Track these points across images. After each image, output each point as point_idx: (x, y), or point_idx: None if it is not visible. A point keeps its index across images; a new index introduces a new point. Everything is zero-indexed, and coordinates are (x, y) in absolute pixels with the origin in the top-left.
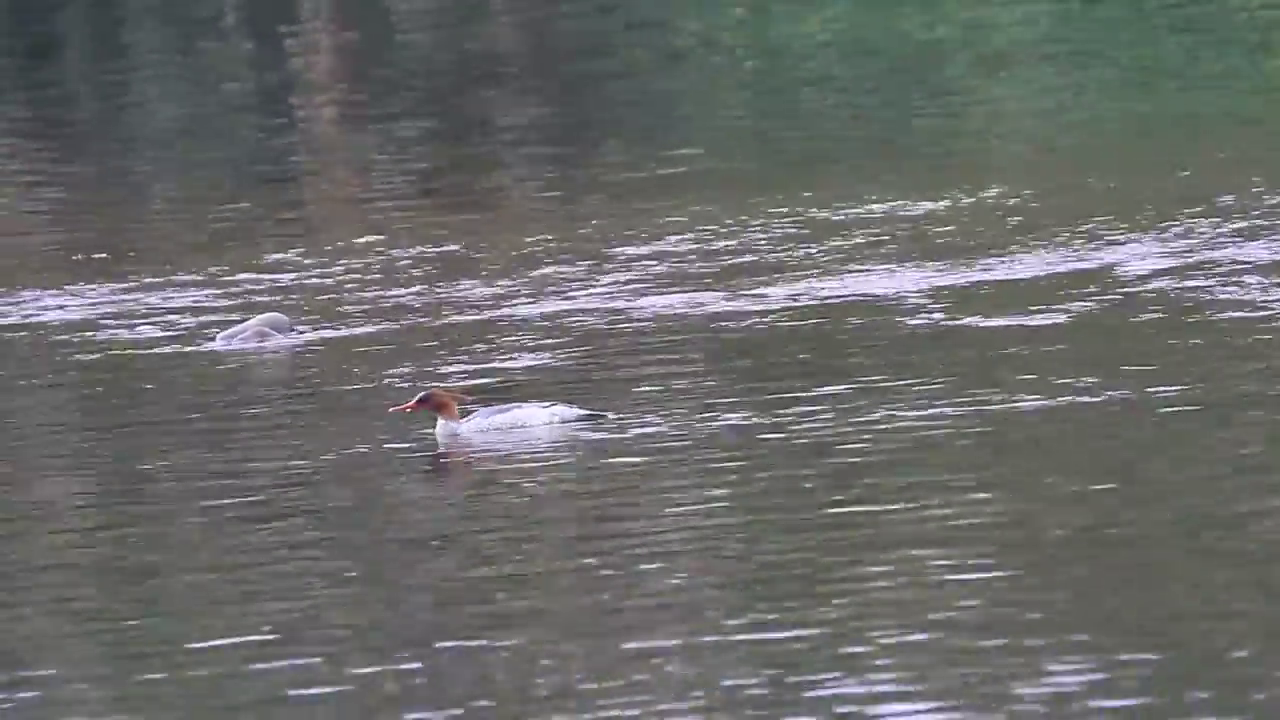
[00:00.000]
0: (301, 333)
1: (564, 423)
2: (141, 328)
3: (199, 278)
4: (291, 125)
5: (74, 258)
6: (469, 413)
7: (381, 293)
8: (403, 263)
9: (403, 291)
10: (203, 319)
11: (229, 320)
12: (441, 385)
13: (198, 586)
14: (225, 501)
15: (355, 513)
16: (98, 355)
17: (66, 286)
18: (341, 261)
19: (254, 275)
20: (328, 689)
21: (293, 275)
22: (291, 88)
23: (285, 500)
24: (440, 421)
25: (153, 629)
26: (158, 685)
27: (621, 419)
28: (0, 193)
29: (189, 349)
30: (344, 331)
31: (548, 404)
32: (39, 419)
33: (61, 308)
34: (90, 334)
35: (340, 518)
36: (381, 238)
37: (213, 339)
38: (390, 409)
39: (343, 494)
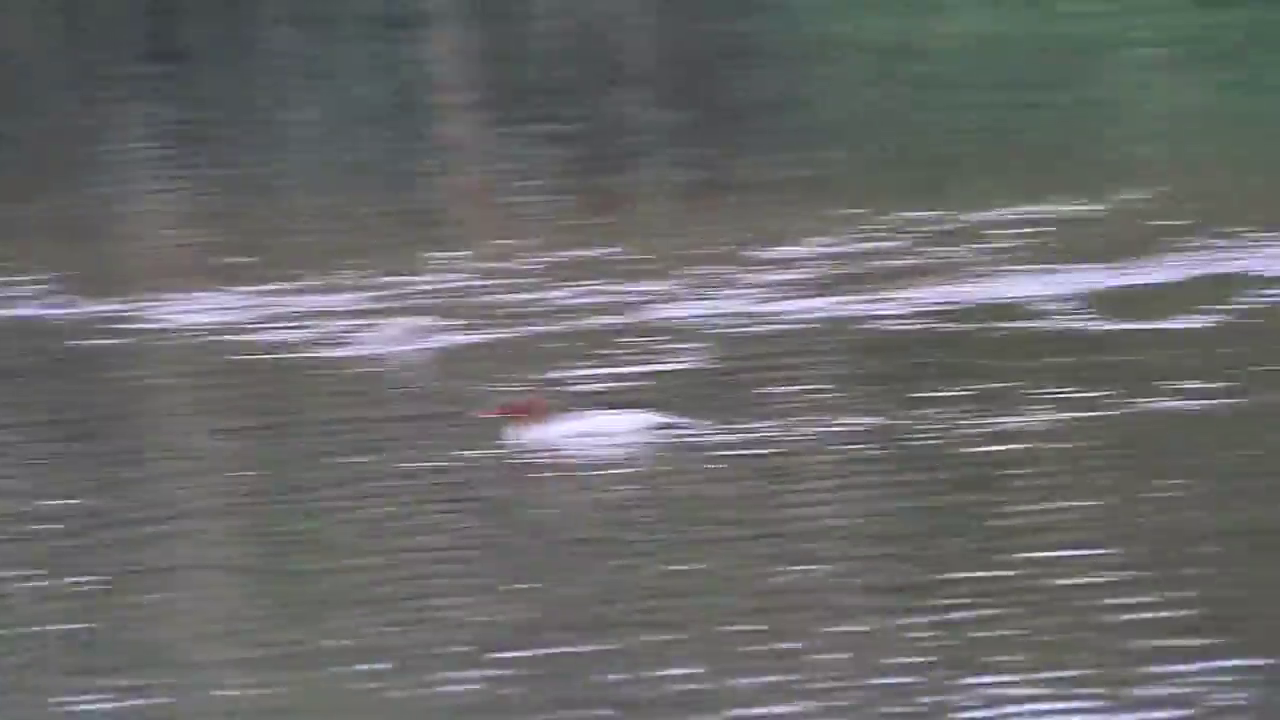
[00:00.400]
0: (445, 336)
1: (648, 429)
2: (285, 332)
3: (343, 281)
4: (435, 127)
5: (221, 261)
6: (553, 418)
7: (524, 296)
8: (544, 266)
9: (546, 294)
10: (343, 323)
11: (369, 325)
12: (528, 392)
13: (355, 587)
14: (378, 503)
15: (499, 514)
16: (243, 359)
17: (212, 290)
18: (483, 264)
19: (398, 279)
20: (484, 685)
21: (436, 279)
22: (434, 90)
23: (433, 502)
24: (524, 428)
25: (313, 629)
26: (319, 687)
27: (720, 425)
28: (147, 196)
29: (328, 354)
30: (487, 335)
31: (633, 411)
32: (187, 422)
33: (207, 311)
34: (231, 339)
35: (482, 519)
36: (524, 240)
37: (353, 343)
38: (479, 415)
39: (484, 496)
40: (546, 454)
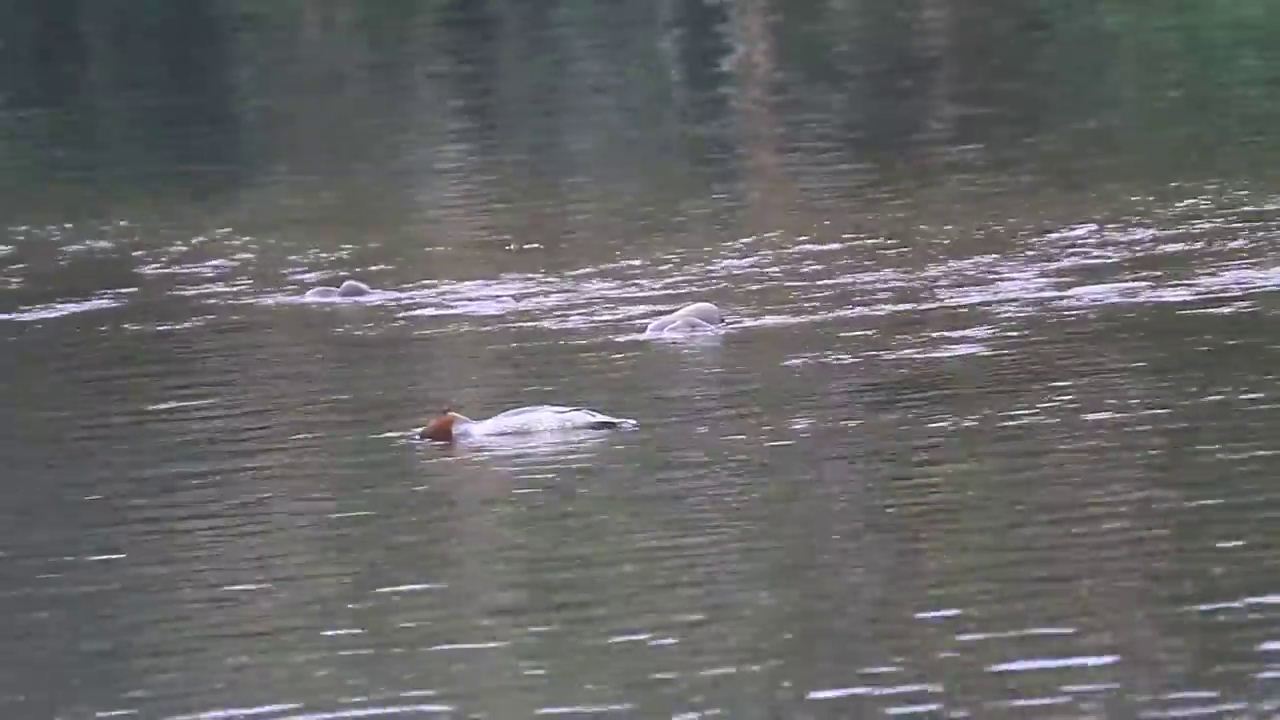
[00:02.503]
0: (731, 323)
1: (577, 428)
2: (572, 318)
3: (629, 268)
4: (721, 114)
5: (507, 248)
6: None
7: (809, 283)
8: (829, 253)
9: (830, 282)
10: (633, 309)
11: (659, 310)
12: (444, 409)
13: (629, 577)
14: (652, 490)
15: (781, 503)
16: (527, 346)
17: (498, 277)
18: (769, 252)
19: (684, 265)
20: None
21: (722, 265)
22: (722, 76)
23: (710, 490)
24: (455, 429)
25: (585, 618)
26: (587, 674)
27: (1000, 411)
28: (436, 181)
29: (620, 339)
30: (772, 321)
31: (563, 409)
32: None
33: (494, 298)
34: (521, 324)
35: (765, 509)
36: (809, 228)
37: (643, 329)
38: (414, 439)
39: (766, 485)
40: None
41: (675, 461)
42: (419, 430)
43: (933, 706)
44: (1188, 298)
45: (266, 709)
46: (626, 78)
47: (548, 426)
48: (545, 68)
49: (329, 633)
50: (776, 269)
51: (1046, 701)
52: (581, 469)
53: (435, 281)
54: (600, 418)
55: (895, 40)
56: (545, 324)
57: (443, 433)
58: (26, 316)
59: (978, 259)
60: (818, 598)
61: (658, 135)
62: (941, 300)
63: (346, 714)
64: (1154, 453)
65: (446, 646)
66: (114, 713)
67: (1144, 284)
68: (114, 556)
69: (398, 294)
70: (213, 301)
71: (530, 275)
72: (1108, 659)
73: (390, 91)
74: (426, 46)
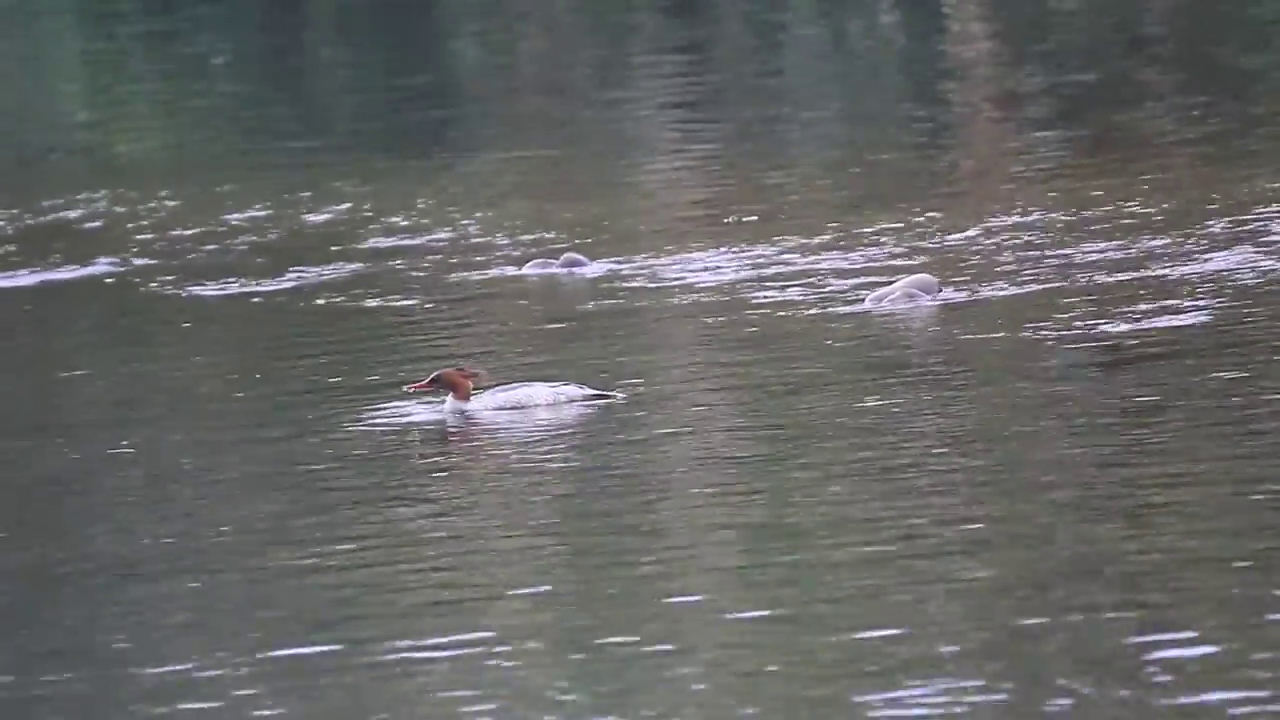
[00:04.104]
0: (950, 294)
1: (570, 402)
2: (791, 289)
3: (847, 239)
4: (935, 86)
5: (724, 220)
6: (483, 390)
7: (1027, 254)
8: (1047, 224)
9: (1048, 253)
10: (851, 281)
11: (878, 282)
12: (456, 366)
13: (855, 554)
14: (878, 462)
15: (1000, 476)
16: (747, 317)
17: (716, 249)
18: (987, 223)
19: (901, 237)
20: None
21: (940, 237)
22: (937, 46)
23: (932, 462)
24: (449, 400)
25: (807, 590)
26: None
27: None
28: (655, 153)
29: (838, 310)
30: (991, 293)
31: (555, 383)
32: (687, 379)
33: (712, 270)
34: (740, 296)
35: (981, 480)
36: (1026, 199)
37: (862, 300)
38: (406, 388)
39: (985, 458)
40: (475, 426)
41: (899, 430)
42: (436, 372)
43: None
44: None
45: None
46: (845, 52)
47: (542, 401)
48: (764, 42)
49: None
50: (994, 240)
51: None
52: (786, 440)
53: (654, 253)
54: (593, 390)
55: (1113, 12)
56: (763, 295)
57: (457, 389)
58: (250, 289)
59: (1195, 230)
60: (1030, 566)
61: (875, 109)
62: (1159, 271)
63: None
64: None
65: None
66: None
67: None
68: (336, 529)
69: (616, 266)
70: (433, 275)
71: (748, 247)
72: None
73: (609, 65)
74: (644, 19)
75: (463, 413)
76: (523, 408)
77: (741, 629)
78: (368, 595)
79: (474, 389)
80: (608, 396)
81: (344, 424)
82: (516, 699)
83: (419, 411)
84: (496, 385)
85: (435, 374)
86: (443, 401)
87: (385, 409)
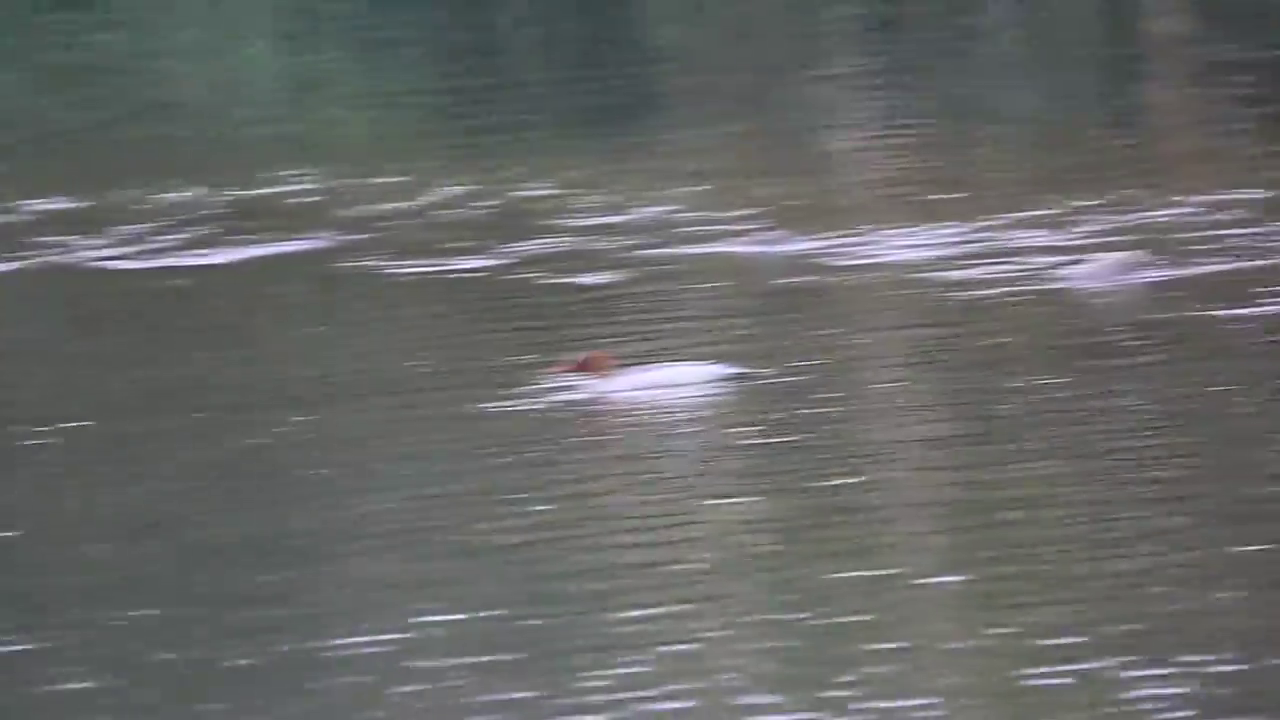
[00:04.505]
0: (1154, 271)
1: (711, 381)
2: (992, 267)
3: (1050, 216)
4: (1138, 61)
5: (929, 196)
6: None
7: (1231, 231)
8: (1252, 202)
9: (1254, 230)
10: (1054, 258)
11: (1081, 259)
12: (599, 349)
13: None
14: (1080, 440)
15: (1203, 456)
16: (946, 294)
17: (918, 226)
18: (1191, 199)
19: (1105, 214)
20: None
21: (1143, 213)
22: (1141, 33)
23: (1134, 441)
24: (592, 381)
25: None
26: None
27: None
28: (856, 129)
29: (1040, 287)
30: (1195, 270)
31: (697, 363)
32: (883, 356)
33: (912, 246)
34: (939, 273)
35: (1182, 460)
36: (1231, 175)
37: (1065, 278)
38: (552, 369)
39: (1189, 436)
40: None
41: (1101, 408)
42: (578, 356)
43: None
44: None
45: None
46: (1043, 29)
47: (685, 380)
48: (962, 17)
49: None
50: (1198, 217)
51: None
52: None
53: (853, 230)
54: (735, 369)
55: None
56: (963, 273)
57: (601, 370)
58: (451, 265)
59: None
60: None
61: (1078, 84)
62: None
63: None
64: None
65: None
66: None
67: None
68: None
69: (819, 242)
70: (632, 252)
71: (950, 223)
72: None
73: (809, 39)
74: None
75: (606, 393)
76: (664, 387)
77: (940, 601)
78: (569, 568)
79: (615, 370)
80: (748, 376)
81: (541, 399)
82: (721, 671)
83: (609, 388)
84: (638, 366)
85: (583, 356)
86: (587, 382)
87: (578, 386)
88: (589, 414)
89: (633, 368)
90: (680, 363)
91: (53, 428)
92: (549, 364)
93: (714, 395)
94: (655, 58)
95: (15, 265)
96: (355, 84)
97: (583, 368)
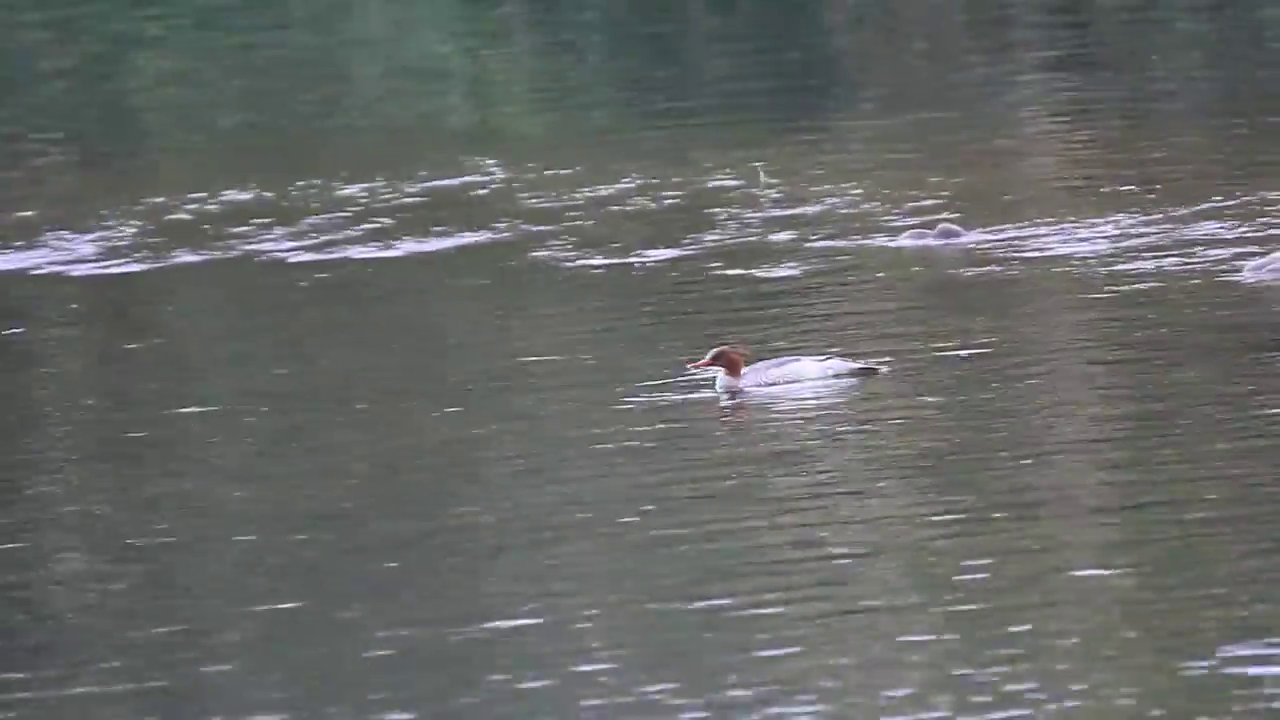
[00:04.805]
0: None
1: (838, 376)
2: (1167, 259)
3: (1227, 208)
4: None
5: (1102, 190)
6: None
7: None
8: None
9: None
10: (1229, 250)
11: (1256, 252)
12: (730, 345)
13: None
14: (1253, 432)
15: None
16: (1121, 287)
17: (1093, 218)
18: None
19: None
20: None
21: None
22: None
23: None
24: (721, 377)
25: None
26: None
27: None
28: (1029, 122)
29: (1214, 281)
30: None
31: (823, 357)
32: (1058, 349)
33: (1088, 239)
34: (1115, 265)
35: None
36: None
37: (1240, 270)
38: (688, 366)
39: None
40: (741, 401)
41: (1275, 401)
42: (714, 351)
43: None
44: None
45: None
46: (1227, 18)
47: (812, 375)
48: (1139, 12)
49: None
50: None
51: None
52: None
53: (1029, 223)
54: (861, 364)
55: None
56: (1139, 265)
57: (733, 366)
58: (629, 258)
59: None
60: None
61: (1257, 77)
62: None
63: None
64: None
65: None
66: None
67: None
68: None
69: (992, 236)
70: (808, 244)
71: (1125, 216)
72: None
73: (986, 32)
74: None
75: (736, 389)
76: (791, 383)
77: (1121, 596)
78: (735, 559)
79: (747, 363)
80: (872, 371)
81: (711, 391)
82: (877, 663)
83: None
84: (765, 360)
85: (716, 350)
86: (715, 378)
87: (713, 379)
88: (726, 407)
89: (766, 361)
90: (810, 356)
91: (221, 415)
92: (689, 359)
93: (847, 389)
94: (832, 49)
95: (199, 258)
96: (536, 76)
97: (715, 363)
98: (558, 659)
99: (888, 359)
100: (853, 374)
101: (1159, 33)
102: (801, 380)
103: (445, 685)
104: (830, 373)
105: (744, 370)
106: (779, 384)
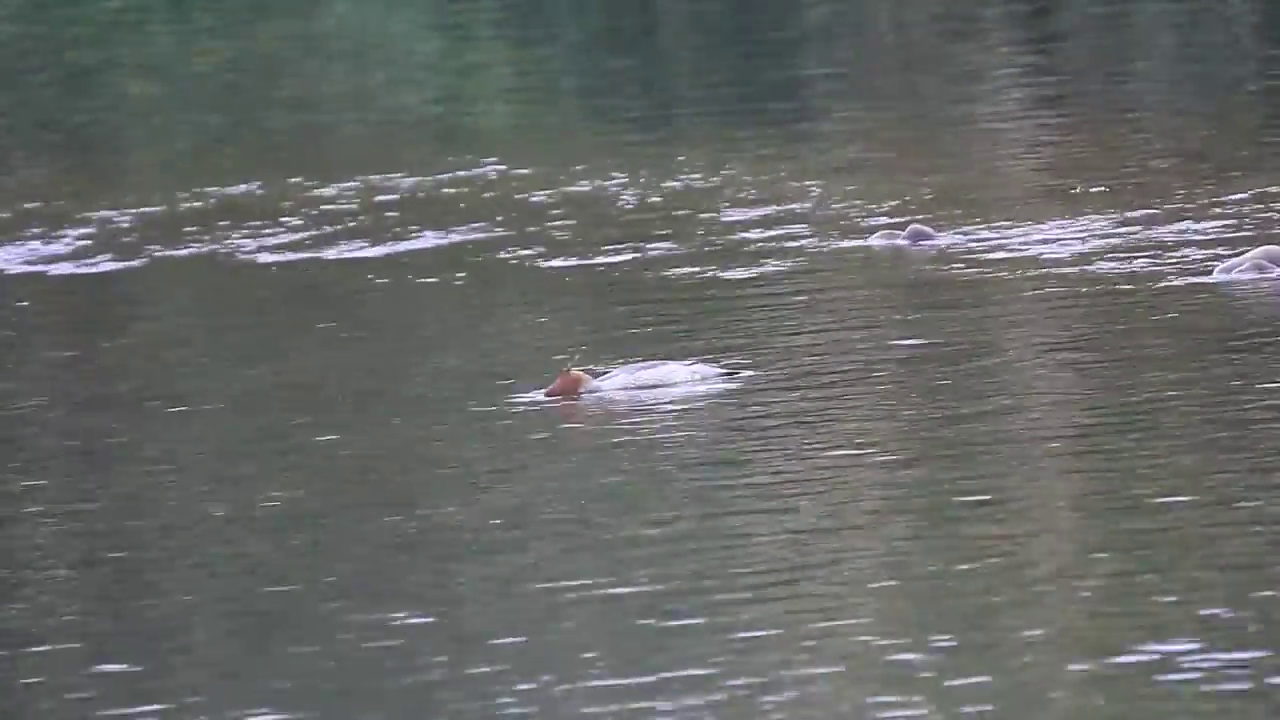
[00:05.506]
0: None
1: (704, 380)
2: (1138, 260)
3: (1196, 209)
4: None
5: (1073, 191)
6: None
7: None
8: None
9: None
10: (1200, 252)
11: (1227, 253)
12: (567, 368)
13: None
14: (1224, 435)
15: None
16: (1091, 288)
17: (1063, 219)
18: None
19: (1251, 208)
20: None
21: None
22: None
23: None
24: (583, 386)
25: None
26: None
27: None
28: (1000, 123)
29: (1184, 282)
30: None
31: (689, 361)
32: (1027, 351)
33: (1058, 241)
34: (1086, 267)
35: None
36: None
37: (1210, 272)
38: (545, 397)
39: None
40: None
41: (1246, 403)
42: (543, 390)
43: None
44: None
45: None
46: (1194, 23)
47: (678, 379)
48: (1111, 12)
49: None
50: None
51: None
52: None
53: (1000, 224)
54: (724, 369)
55: None
56: (1109, 266)
57: (569, 391)
58: (597, 259)
59: None
60: None
61: (1228, 77)
62: None
63: None
64: None
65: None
66: None
67: None
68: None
69: (963, 237)
70: (779, 245)
71: (1096, 217)
72: None
73: (959, 33)
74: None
75: (598, 393)
76: (654, 387)
77: (1090, 600)
78: (723, 566)
79: (585, 388)
80: (737, 375)
81: (685, 389)
82: (869, 679)
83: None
84: (628, 364)
85: (559, 380)
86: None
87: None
88: (577, 413)
89: (625, 367)
90: (671, 361)
91: (194, 415)
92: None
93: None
94: (804, 49)
95: (172, 256)
96: (511, 75)
97: (563, 388)
98: (533, 658)
99: (748, 363)
100: (718, 378)
101: (1130, 33)
102: (666, 384)
103: (417, 685)
104: (697, 377)
105: (591, 383)
106: (637, 388)
